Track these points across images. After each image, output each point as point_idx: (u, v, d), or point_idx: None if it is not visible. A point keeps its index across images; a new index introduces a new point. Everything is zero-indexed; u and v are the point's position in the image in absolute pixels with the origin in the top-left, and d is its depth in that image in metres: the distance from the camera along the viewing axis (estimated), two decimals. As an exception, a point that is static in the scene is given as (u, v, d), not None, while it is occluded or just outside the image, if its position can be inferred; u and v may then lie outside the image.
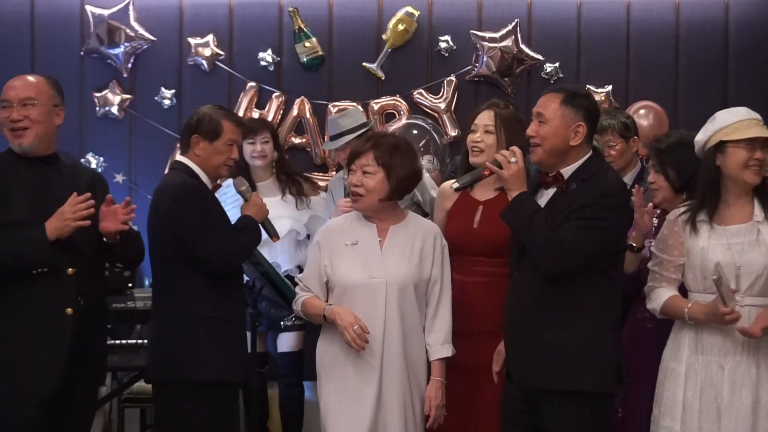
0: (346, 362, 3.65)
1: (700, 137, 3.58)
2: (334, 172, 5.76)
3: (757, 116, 3.56)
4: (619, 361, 3.48)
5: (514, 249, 3.60)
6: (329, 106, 5.82)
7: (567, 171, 3.50)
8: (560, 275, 3.40)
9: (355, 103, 5.79)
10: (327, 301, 3.70)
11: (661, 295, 3.56)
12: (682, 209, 3.60)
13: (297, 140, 5.85)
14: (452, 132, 5.81)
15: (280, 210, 4.89)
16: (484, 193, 3.95)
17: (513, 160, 3.50)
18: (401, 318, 3.65)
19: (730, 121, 3.51)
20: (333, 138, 4.95)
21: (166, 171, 4.74)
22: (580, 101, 3.49)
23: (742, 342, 3.43)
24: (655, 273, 3.61)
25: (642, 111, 5.58)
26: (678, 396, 3.50)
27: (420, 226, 3.77)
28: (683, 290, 3.60)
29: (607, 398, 3.49)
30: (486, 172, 3.62)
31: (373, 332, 3.60)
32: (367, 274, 3.65)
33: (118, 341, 4.50)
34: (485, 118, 3.98)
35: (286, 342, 5.09)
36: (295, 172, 5.16)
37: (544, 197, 3.55)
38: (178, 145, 4.25)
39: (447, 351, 3.70)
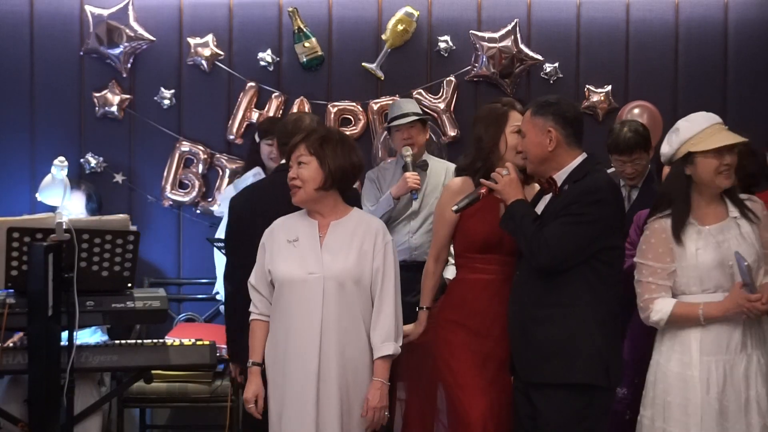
0: (285, 367, 3.62)
1: (666, 150, 3.67)
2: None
3: (718, 119, 3.64)
4: (609, 354, 3.55)
5: (517, 252, 3.73)
6: (329, 106, 5.83)
7: (560, 175, 3.65)
8: (548, 270, 3.53)
9: (354, 103, 5.80)
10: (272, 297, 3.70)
11: (664, 306, 3.58)
12: (660, 217, 3.63)
13: (296, 140, 5.85)
14: (452, 132, 5.81)
15: None
16: None
17: (504, 173, 3.67)
18: (340, 315, 3.60)
19: (694, 132, 3.59)
20: (397, 117, 4.99)
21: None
22: (548, 108, 3.66)
23: (752, 335, 3.49)
24: (650, 284, 3.61)
25: (636, 110, 5.60)
26: (695, 400, 3.51)
27: (362, 221, 3.73)
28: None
29: (598, 390, 3.55)
30: (483, 191, 3.73)
31: (310, 331, 3.57)
32: (305, 270, 3.62)
33: (118, 341, 4.50)
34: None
35: None
36: None
37: (545, 201, 3.69)
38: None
39: (389, 349, 3.63)
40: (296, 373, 3.59)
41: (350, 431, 3.62)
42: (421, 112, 5.12)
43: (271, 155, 5.10)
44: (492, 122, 3.93)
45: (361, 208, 4.04)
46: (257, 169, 5.29)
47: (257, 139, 5.28)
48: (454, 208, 3.76)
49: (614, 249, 3.61)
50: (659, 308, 3.58)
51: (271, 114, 5.77)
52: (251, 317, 3.75)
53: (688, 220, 3.58)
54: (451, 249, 4.11)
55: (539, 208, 3.68)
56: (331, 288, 3.60)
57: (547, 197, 3.69)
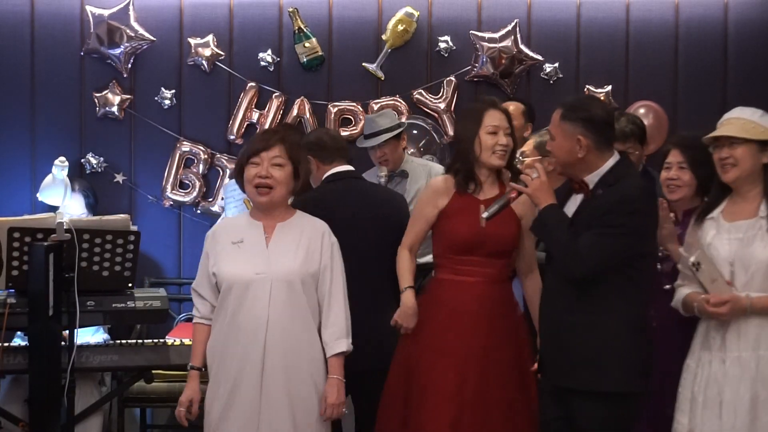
0: (230, 368, 3.58)
1: None
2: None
3: (737, 114, 3.59)
4: (645, 359, 3.54)
5: (548, 251, 3.70)
6: (329, 106, 5.83)
7: (592, 178, 3.56)
8: (581, 281, 3.48)
9: (355, 103, 5.81)
10: (216, 301, 3.65)
11: (681, 293, 3.63)
12: (698, 208, 3.68)
13: (297, 140, 5.85)
14: (452, 132, 5.82)
15: None
16: (485, 192, 3.92)
17: (534, 176, 3.57)
18: (287, 315, 3.59)
19: (720, 121, 3.61)
20: (369, 136, 5.04)
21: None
22: (578, 113, 3.54)
23: (744, 337, 3.47)
24: (681, 272, 3.66)
25: (642, 110, 5.59)
26: (687, 391, 3.56)
27: (307, 223, 3.73)
28: None
29: (631, 397, 3.55)
30: (513, 195, 3.66)
31: (257, 331, 3.56)
32: (252, 270, 3.60)
33: (118, 341, 4.51)
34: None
35: None
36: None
37: (576, 202, 3.62)
38: None
39: (341, 346, 3.62)
40: (241, 374, 3.57)
41: (300, 429, 3.59)
42: (395, 124, 5.09)
43: None
44: (468, 123, 3.91)
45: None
46: None
47: None
48: (485, 215, 3.66)
49: (647, 256, 3.58)
50: (677, 295, 3.63)
51: (271, 114, 5.78)
52: (194, 321, 3.72)
53: (712, 215, 3.57)
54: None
55: (570, 209, 3.61)
56: (278, 288, 3.59)
57: (578, 197, 3.61)
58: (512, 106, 5.34)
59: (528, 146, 4.56)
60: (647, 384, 3.60)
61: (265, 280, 3.58)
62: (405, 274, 3.94)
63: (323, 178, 4.39)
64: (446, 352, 3.80)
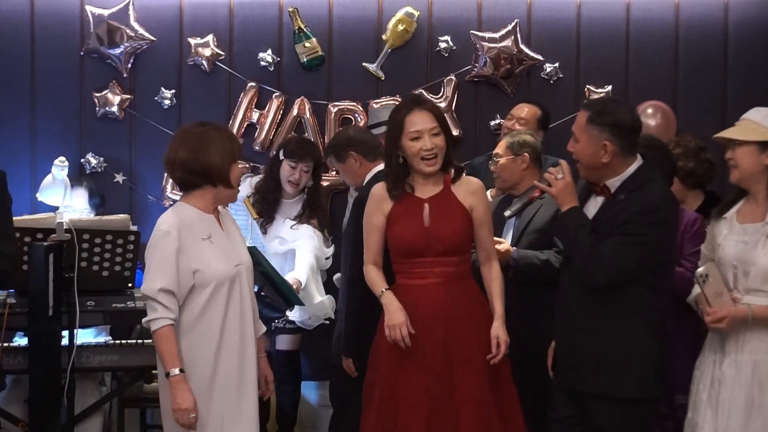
0: (222, 364, 3.57)
1: None
2: (333, 172, 5.77)
3: (752, 116, 3.60)
4: (663, 365, 3.54)
5: (565, 253, 3.69)
6: (329, 106, 5.83)
7: (614, 182, 3.55)
8: (601, 288, 3.47)
9: (355, 103, 5.80)
10: (185, 302, 3.56)
11: (695, 289, 3.65)
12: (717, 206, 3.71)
13: (297, 140, 5.85)
14: (453, 132, 5.80)
15: (294, 234, 5.09)
16: (425, 190, 3.82)
17: (560, 176, 3.56)
18: (252, 302, 3.72)
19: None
20: (373, 127, 5.14)
21: None
22: (605, 118, 3.51)
23: (740, 341, 3.48)
24: (698, 267, 3.67)
25: (650, 110, 5.57)
26: (695, 387, 3.62)
27: (225, 209, 3.82)
28: None
29: (648, 402, 3.56)
30: (536, 194, 3.66)
31: (245, 323, 3.63)
32: (231, 263, 3.62)
33: (118, 341, 4.50)
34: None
35: (284, 342, 5.25)
36: (321, 204, 5.21)
37: (596, 204, 3.61)
38: None
39: (263, 326, 3.84)
40: (244, 366, 3.61)
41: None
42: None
43: (291, 177, 5.13)
44: (389, 130, 3.83)
45: None
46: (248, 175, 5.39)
47: (280, 156, 5.22)
48: (508, 213, 3.64)
49: (667, 262, 3.57)
50: (693, 290, 3.66)
51: (271, 114, 5.78)
52: (164, 323, 3.48)
53: (727, 215, 3.58)
54: None
55: (590, 211, 3.60)
56: (249, 277, 3.71)
57: (598, 199, 3.61)
58: (526, 109, 5.35)
59: (500, 147, 4.52)
60: (665, 389, 3.62)
61: (242, 271, 3.65)
62: (377, 281, 3.84)
63: (370, 175, 4.38)
64: (408, 357, 3.71)
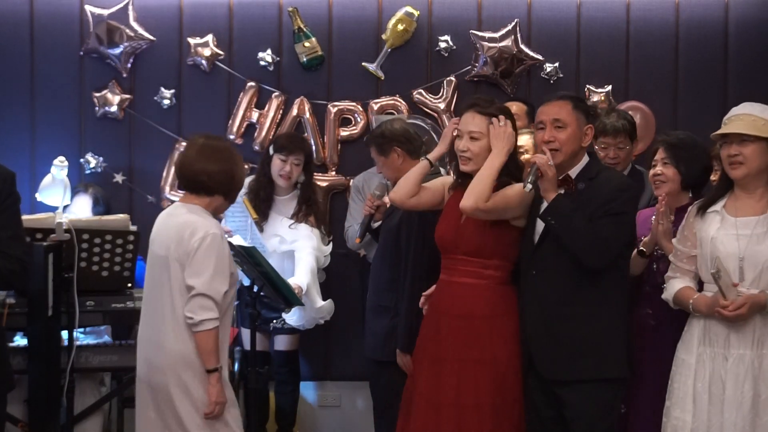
0: (224, 351, 3.83)
1: None
2: (333, 172, 5.77)
3: (748, 111, 3.59)
4: (630, 347, 3.66)
5: (525, 250, 3.70)
6: (329, 105, 5.83)
7: (574, 172, 3.67)
8: (595, 269, 3.54)
9: (354, 103, 5.80)
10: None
11: (674, 286, 3.66)
12: (699, 200, 3.71)
13: (296, 140, 5.84)
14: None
15: (293, 234, 5.06)
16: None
17: (550, 163, 3.60)
18: None
19: (728, 116, 3.64)
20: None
21: None
22: (584, 106, 3.73)
23: (747, 335, 3.49)
24: (673, 264, 3.71)
25: (629, 112, 5.57)
26: (688, 387, 3.58)
27: None
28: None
29: (624, 381, 3.67)
30: (532, 161, 3.66)
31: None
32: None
33: (118, 341, 4.50)
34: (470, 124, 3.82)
35: (282, 342, 5.25)
36: (316, 201, 5.19)
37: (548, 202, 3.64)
38: None
39: None
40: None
41: None
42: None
43: (282, 171, 5.10)
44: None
45: None
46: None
47: (270, 151, 5.21)
48: (527, 188, 3.61)
49: (632, 244, 3.70)
50: (669, 288, 3.68)
51: (271, 114, 5.77)
52: (217, 324, 3.67)
53: (715, 208, 3.59)
54: None
55: (544, 205, 3.64)
56: None
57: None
58: (515, 107, 5.35)
59: (527, 143, 4.56)
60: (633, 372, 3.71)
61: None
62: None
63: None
64: (419, 354, 3.88)
